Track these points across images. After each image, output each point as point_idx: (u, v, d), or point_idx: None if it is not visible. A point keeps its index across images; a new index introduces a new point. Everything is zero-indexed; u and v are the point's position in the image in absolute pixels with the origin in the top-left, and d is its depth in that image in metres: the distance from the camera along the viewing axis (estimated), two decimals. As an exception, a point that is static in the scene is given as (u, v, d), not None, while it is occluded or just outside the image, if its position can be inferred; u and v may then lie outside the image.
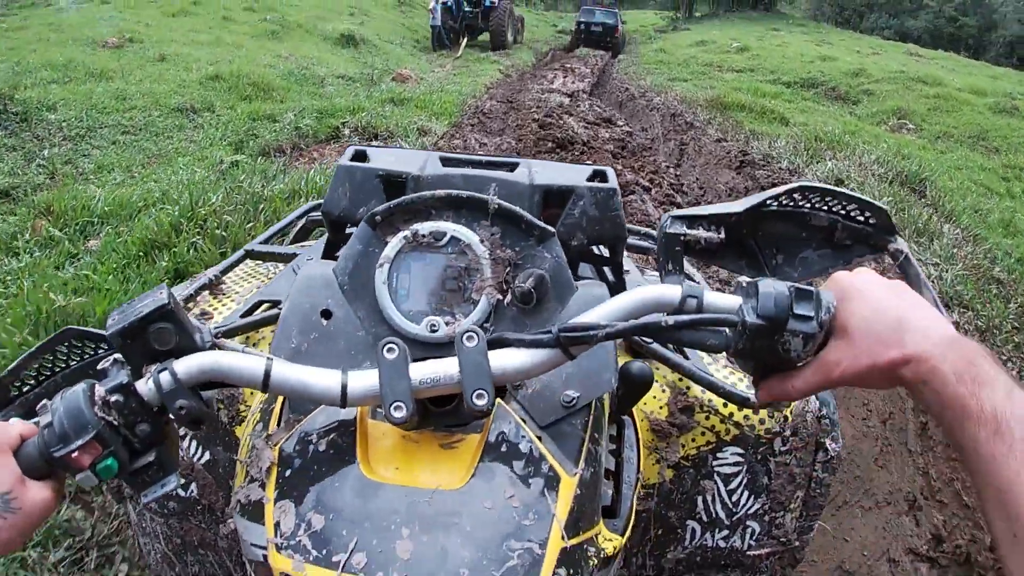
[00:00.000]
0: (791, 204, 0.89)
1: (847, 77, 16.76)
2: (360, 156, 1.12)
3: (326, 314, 0.83)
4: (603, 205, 1.04)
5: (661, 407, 1.15)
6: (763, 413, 1.15)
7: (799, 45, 23.92)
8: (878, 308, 0.67)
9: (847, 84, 16.18)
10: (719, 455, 1.15)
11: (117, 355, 0.71)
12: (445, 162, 1.11)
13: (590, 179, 1.10)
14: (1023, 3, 51.45)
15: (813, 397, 1.12)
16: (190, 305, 1.33)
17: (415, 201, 0.84)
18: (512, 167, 1.11)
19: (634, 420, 1.09)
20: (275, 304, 1.19)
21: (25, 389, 0.94)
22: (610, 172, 1.12)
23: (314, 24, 15.81)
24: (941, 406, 0.62)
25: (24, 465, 0.66)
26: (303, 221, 1.78)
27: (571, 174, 1.10)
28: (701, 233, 0.85)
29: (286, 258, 1.42)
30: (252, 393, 1.11)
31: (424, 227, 0.83)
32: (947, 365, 0.62)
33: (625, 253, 1.27)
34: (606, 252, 1.16)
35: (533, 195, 1.04)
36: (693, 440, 1.15)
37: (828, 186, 0.88)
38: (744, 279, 0.73)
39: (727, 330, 0.71)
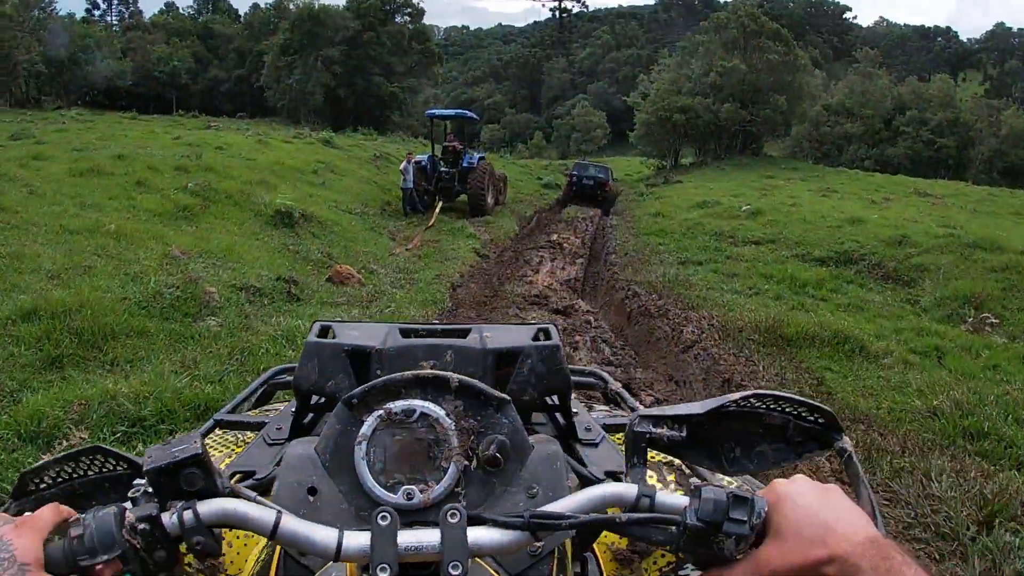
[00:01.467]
0: (748, 406, 0.94)
1: (889, 247, 14.05)
2: (325, 332, 1.18)
3: (312, 491, 0.88)
4: (549, 361, 1.12)
5: (621, 536, 1.16)
6: None
7: (808, 199, 21.66)
8: (808, 512, 0.74)
9: (892, 257, 13.46)
10: (680, 572, 1.07)
11: (147, 487, 0.80)
12: (404, 334, 1.17)
13: (535, 338, 1.17)
14: (995, 117, 54.57)
15: None
16: None
17: (387, 383, 0.90)
18: (464, 333, 1.18)
19: (596, 554, 1.15)
20: (248, 475, 1.16)
21: (42, 487, 0.97)
22: (553, 329, 1.19)
23: (248, 194, 13.10)
24: None
25: (48, 557, 0.74)
26: (263, 387, 1.74)
27: (518, 335, 1.18)
28: (665, 432, 0.90)
29: (255, 427, 1.43)
30: (237, 538, 1.15)
31: (396, 406, 0.88)
32: (865, 562, 0.70)
33: (573, 395, 1.29)
34: (556, 399, 1.25)
35: (486, 358, 1.10)
36: (655, 563, 1.18)
37: (780, 392, 0.94)
38: (695, 481, 0.90)
39: (673, 528, 0.79)
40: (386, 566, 0.76)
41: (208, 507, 0.78)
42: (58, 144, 18.10)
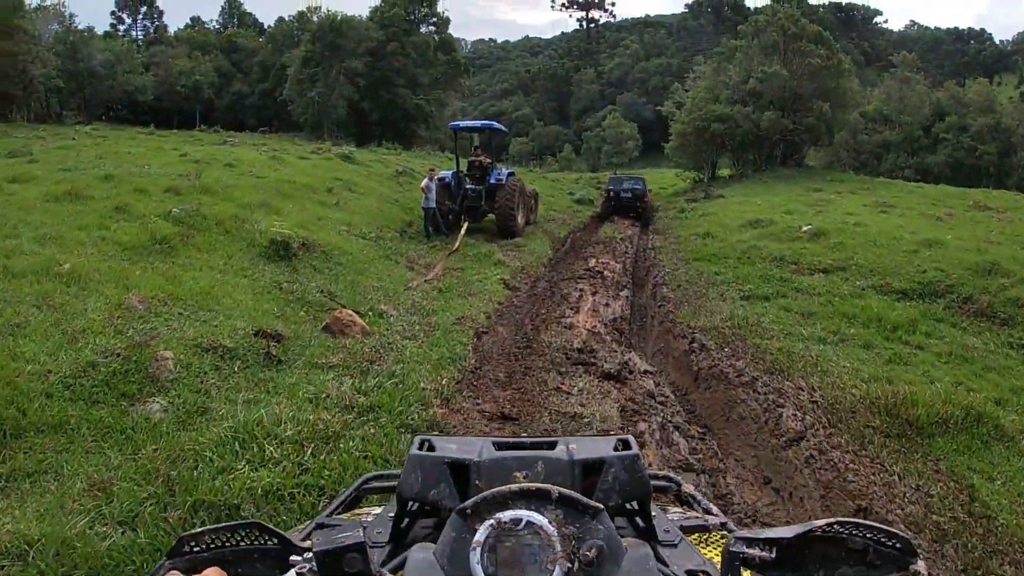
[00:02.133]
0: (832, 532, 1.01)
1: (977, 277, 12.14)
2: (425, 445, 1.23)
3: None
4: (630, 469, 1.18)
5: None
6: None
7: (868, 216, 19.67)
8: None
9: (983, 288, 11.57)
10: None
11: (312, 566, 0.91)
12: (498, 447, 1.21)
13: (616, 448, 1.22)
14: None
15: None
16: None
17: (496, 496, 0.99)
18: (552, 445, 1.23)
19: None
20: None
21: (196, 549, 1.03)
22: (631, 440, 1.25)
23: (243, 220, 11.44)
24: None
25: None
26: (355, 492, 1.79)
27: (601, 446, 1.23)
28: (756, 552, 0.97)
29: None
30: None
31: (505, 515, 0.96)
32: None
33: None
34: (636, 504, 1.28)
35: (574, 469, 1.16)
36: None
37: (861, 520, 1.01)
38: None
39: None
40: None
41: None
42: (48, 163, 16.67)
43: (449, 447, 1.22)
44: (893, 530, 1.00)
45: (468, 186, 17.93)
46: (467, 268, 13.35)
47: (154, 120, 51.92)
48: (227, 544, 1.04)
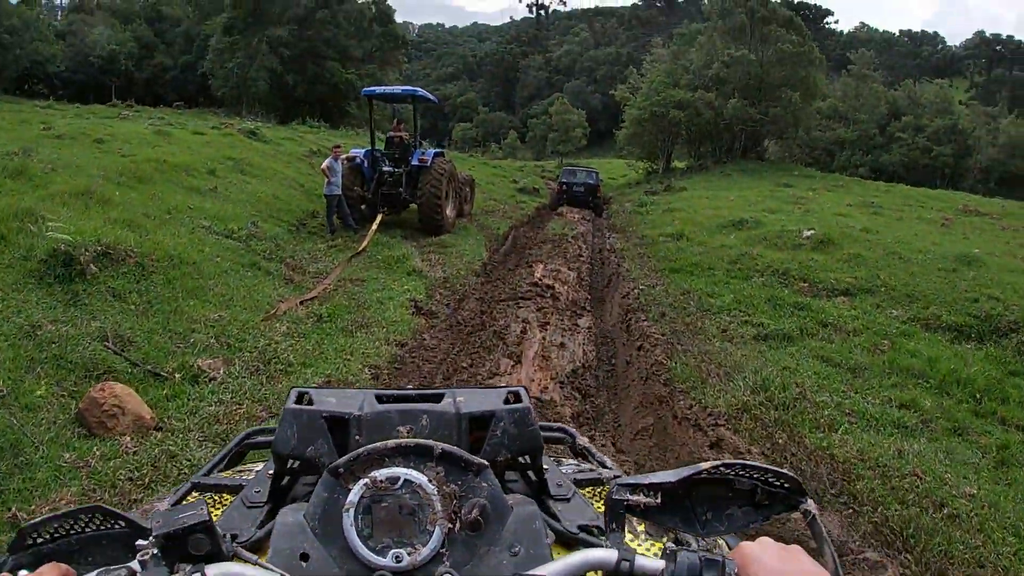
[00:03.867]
0: (718, 474, 0.97)
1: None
2: (302, 398, 1.17)
3: (304, 557, 0.90)
4: (520, 423, 1.12)
5: None
6: None
7: (866, 219, 16.88)
8: (773, 571, 0.78)
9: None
10: None
11: (155, 550, 0.82)
12: (380, 399, 1.16)
13: (506, 401, 1.17)
14: (992, 125, 54.72)
15: None
16: None
17: (371, 452, 0.94)
18: (438, 398, 1.17)
19: None
20: (231, 538, 1.06)
21: (39, 542, 0.96)
22: (522, 392, 1.20)
23: (36, 217, 7.60)
24: None
25: None
26: (237, 448, 1.73)
27: (491, 399, 1.17)
28: (641, 498, 0.92)
29: (233, 489, 1.40)
30: None
31: (381, 473, 0.92)
32: None
33: (544, 451, 1.27)
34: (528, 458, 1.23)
35: (461, 423, 1.10)
36: None
37: (748, 461, 0.97)
38: (671, 545, 0.87)
39: None
40: None
41: (216, 571, 0.82)
42: None
43: (328, 400, 1.15)
44: (780, 470, 0.97)
45: (385, 168, 14.27)
46: (370, 279, 9.77)
47: (67, 95, 46.61)
48: (72, 532, 0.95)
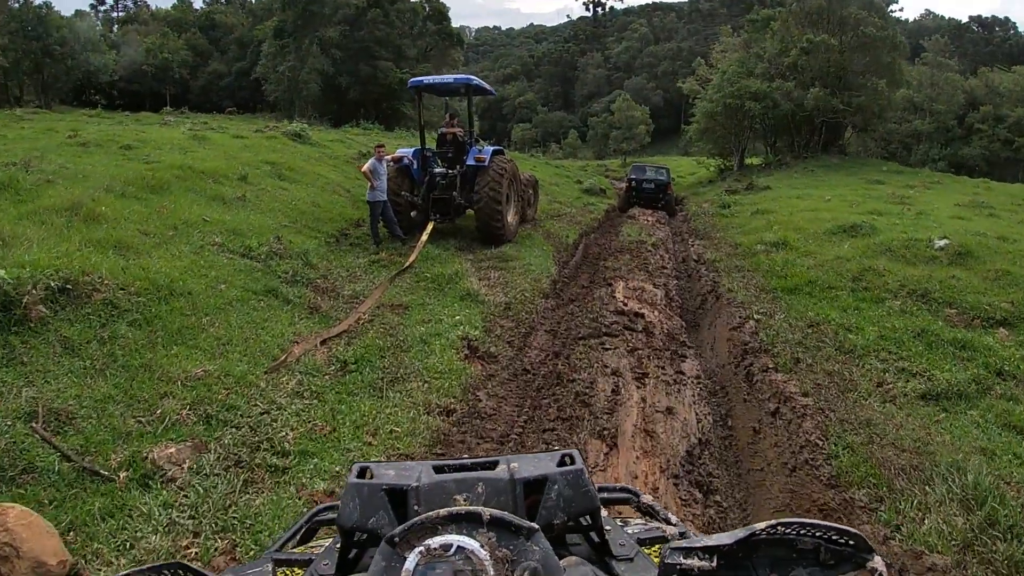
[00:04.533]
0: (777, 534, 0.95)
1: None
2: (363, 472, 1.18)
3: None
4: (575, 485, 1.12)
5: None
6: None
7: (992, 225, 14.35)
8: None
9: None
10: None
11: None
12: (437, 470, 1.16)
13: (560, 463, 1.16)
14: None
15: None
16: None
17: (424, 522, 0.94)
18: (493, 465, 1.17)
19: None
20: None
21: None
22: (576, 454, 1.19)
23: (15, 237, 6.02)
24: None
25: None
26: (308, 524, 1.68)
27: (544, 463, 1.18)
28: (695, 563, 0.91)
29: (303, 563, 1.38)
30: None
31: (434, 541, 0.92)
32: None
33: (605, 513, 1.29)
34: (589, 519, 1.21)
35: (515, 488, 1.10)
36: None
37: (807, 520, 0.95)
38: None
39: None
40: None
41: None
42: None
43: (387, 473, 1.17)
44: (842, 527, 0.95)
45: (436, 170, 12.45)
46: (415, 305, 7.97)
47: (123, 104, 46.52)
48: None
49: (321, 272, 9.06)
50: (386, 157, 11.60)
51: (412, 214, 12.23)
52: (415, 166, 12.50)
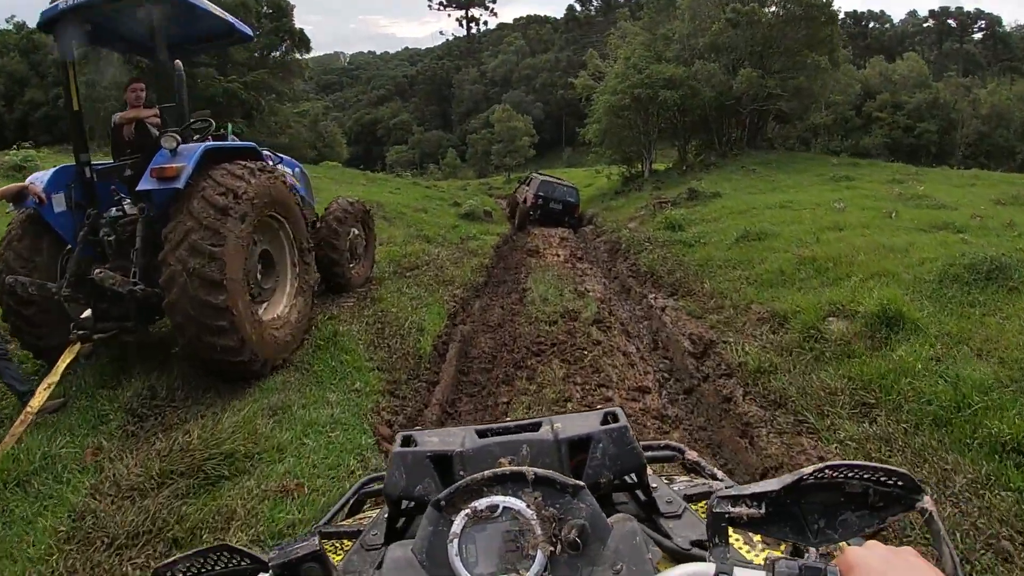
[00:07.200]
0: (825, 478, 0.93)
1: None
2: (408, 441, 1.19)
3: None
4: (619, 442, 1.11)
5: None
6: None
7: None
8: None
9: None
10: None
11: None
12: (481, 435, 1.17)
13: (603, 422, 1.16)
14: (971, 96, 52.00)
15: None
16: None
17: (469, 484, 0.94)
18: (536, 427, 1.18)
19: None
20: None
21: None
22: (619, 412, 1.19)
23: None
24: None
25: None
26: (355, 497, 1.76)
27: (588, 422, 1.17)
28: (744, 510, 0.90)
29: (352, 535, 1.44)
30: None
31: (480, 503, 0.92)
32: None
33: (650, 471, 1.29)
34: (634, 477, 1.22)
35: (560, 448, 1.10)
36: None
37: (855, 462, 0.93)
38: (772, 555, 0.83)
39: None
40: None
41: None
42: None
43: (431, 440, 1.19)
44: (892, 467, 0.92)
45: (110, 211, 5.27)
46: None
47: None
48: (202, 570, 0.99)
49: None
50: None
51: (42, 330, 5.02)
52: (56, 208, 5.27)
